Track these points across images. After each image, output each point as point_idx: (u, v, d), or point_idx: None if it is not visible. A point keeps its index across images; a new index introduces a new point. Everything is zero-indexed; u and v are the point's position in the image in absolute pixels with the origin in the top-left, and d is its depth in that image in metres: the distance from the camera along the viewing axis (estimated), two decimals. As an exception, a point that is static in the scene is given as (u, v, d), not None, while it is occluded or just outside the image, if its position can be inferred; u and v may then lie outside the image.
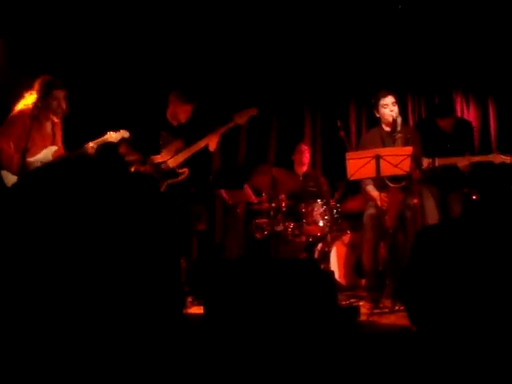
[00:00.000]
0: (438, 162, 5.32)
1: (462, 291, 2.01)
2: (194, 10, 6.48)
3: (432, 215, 5.37)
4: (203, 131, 5.27)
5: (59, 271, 0.86)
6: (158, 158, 5.14)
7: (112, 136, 4.82)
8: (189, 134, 5.34)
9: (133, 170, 5.05)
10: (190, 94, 5.38)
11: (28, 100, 4.79)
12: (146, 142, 5.11)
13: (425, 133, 5.62)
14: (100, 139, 4.81)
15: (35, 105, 4.70)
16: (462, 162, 5.28)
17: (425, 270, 2.05)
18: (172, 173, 5.16)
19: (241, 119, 5.24)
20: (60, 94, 4.85)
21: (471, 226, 1.86)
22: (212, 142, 5.19)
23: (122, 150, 4.97)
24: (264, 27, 6.85)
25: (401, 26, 6.76)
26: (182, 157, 5.17)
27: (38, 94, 4.76)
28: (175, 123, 5.35)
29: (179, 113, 5.32)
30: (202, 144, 5.18)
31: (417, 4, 6.48)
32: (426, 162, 5.33)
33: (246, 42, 7.01)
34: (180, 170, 5.19)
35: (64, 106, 4.89)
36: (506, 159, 5.16)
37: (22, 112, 4.74)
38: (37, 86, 4.79)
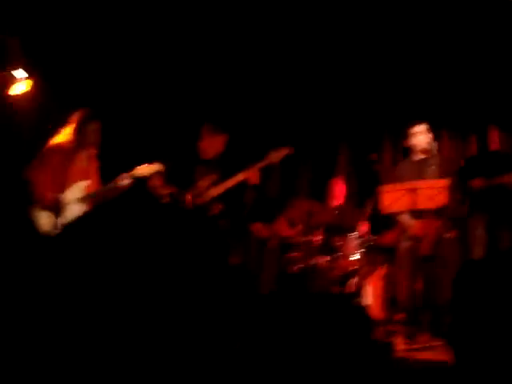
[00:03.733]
0: (492, 181, 5.54)
1: (505, 327, 1.97)
2: (230, 48, 6.57)
3: (478, 247, 5.38)
4: (237, 166, 5.28)
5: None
6: (193, 192, 5.15)
7: (145, 169, 4.82)
8: (223, 168, 5.34)
9: (167, 202, 5.05)
10: (222, 126, 5.40)
11: (64, 134, 4.84)
12: (181, 175, 5.12)
13: (477, 160, 5.94)
14: (133, 172, 4.80)
15: (71, 139, 4.77)
16: (509, 178, 5.37)
17: (468, 305, 2.02)
18: (207, 207, 5.15)
19: (275, 157, 5.21)
20: (94, 126, 4.86)
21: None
22: (252, 177, 5.17)
23: (156, 182, 4.97)
24: (298, 63, 6.93)
25: (439, 60, 6.78)
26: (217, 191, 5.17)
27: (73, 127, 4.81)
28: (209, 157, 5.37)
29: (212, 146, 5.33)
30: (237, 179, 5.16)
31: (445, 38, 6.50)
32: (479, 182, 5.57)
33: (281, 79, 7.08)
34: (215, 205, 5.18)
35: (98, 138, 4.91)
36: None
37: (58, 146, 4.78)
38: (73, 119, 4.84)
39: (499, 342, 2.36)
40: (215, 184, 5.19)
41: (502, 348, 2.37)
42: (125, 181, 4.73)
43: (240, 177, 5.16)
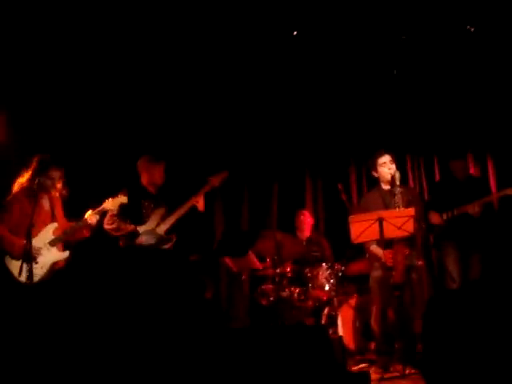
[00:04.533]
0: (456, 212, 5.56)
1: (477, 357, 2.00)
2: (171, 66, 6.54)
3: (453, 274, 5.47)
4: (182, 196, 5.39)
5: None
6: (145, 227, 5.19)
7: (110, 203, 4.83)
8: (168, 200, 5.43)
9: (123, 243, 5.10)
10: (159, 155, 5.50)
11: (24, 179, 4.83)
12: (130, 213, 5.15)
13: (440, 188, 6.01)
14: (99, 208, 4.82)
15: (30, 184, 4.74)
16: (473, 209, 5.41)
17: (440, 335, 2.04)
18: (162, 240, 5.20)
19: (216, 181, 5.40)
20: (55, 173, 4.87)
21: (489, 291, 1.86)
22: (199, 204, 5.30)
23: (110, 223, 5.04)
24: (259, 94, 6.99)
25: (397, 89, 6.90)
26: (168, 223, 5.24)
27: (32, 172, 4.80)
28: (152, 189, 5.42)
29: (154, 175, 5.41)
30: (185, 208, 5.27)
31: (412, 67, 6.63)
32: (444, 216, 5.59)
33: (243, 111, 7.14)
34: (169, 236, 5.25)
35: (59, 185, 4.91)
36: None
37: (17, 195, 4.77)
38: (33, 164, 4.85)
39: (471, 369, 2.39)
40: (165, 217, 5.26)
41: (474, 376, 2.40)
42: (93, 219, 4.76)
43: (187, 205, 5.28)
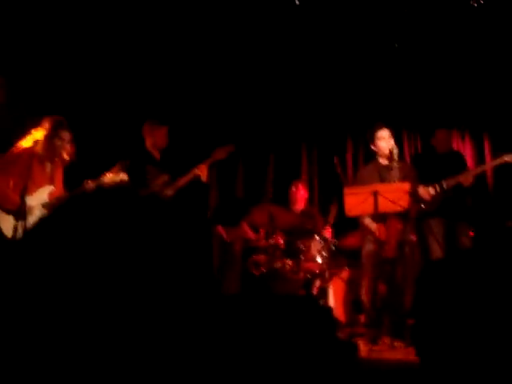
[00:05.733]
0: (445, 184, 5.42)
1: (470, 326, 2.00)
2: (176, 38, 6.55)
3: (437, 249, 5.44)
4: (184, 165, 5.47)
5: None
6: (147, 192, 5.20)
7: (111, 178, 4.77)
8: (171, 168, 5.50)
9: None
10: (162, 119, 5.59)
11: (33, 138, 4.77)
12: (135, 176, 5.16)
13: (425, 162, 5.90)
14: (99, 180, 4.76)
15: (41, 145, 4.72)
16: (466, 179, 5.35)
17: (432, 305, 2.04)
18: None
19: (221, 154, 5.50)
20: (66, 135, 4.84)
21: (478, 260, 1.85)
22: (202, 174, 5.38)
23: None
24: (260, 65, 6.94)
25: (396, 64, 6.87)
26: (170, 190, 5.31)
27: (45, 133, 4.77)
28: (157, 154, 5.52)
29: (157, 139, 5.52)
30: (188, 177, 5.37)
31: (411, 43, 6.59)
32: (431, 189, 5.41)
33: (244, 79, 7.11)
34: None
35: (68, 147, 4.87)
36: None
37: (25, 150, 4.69)
38: (45, 125, 4.79)
39: (462, 342, 2.39)
40: (168, 184, 5.34)
41: (465, 349, 2.40)
42: (89, 187, 4.72)
43: (190, 175, 5.37)
